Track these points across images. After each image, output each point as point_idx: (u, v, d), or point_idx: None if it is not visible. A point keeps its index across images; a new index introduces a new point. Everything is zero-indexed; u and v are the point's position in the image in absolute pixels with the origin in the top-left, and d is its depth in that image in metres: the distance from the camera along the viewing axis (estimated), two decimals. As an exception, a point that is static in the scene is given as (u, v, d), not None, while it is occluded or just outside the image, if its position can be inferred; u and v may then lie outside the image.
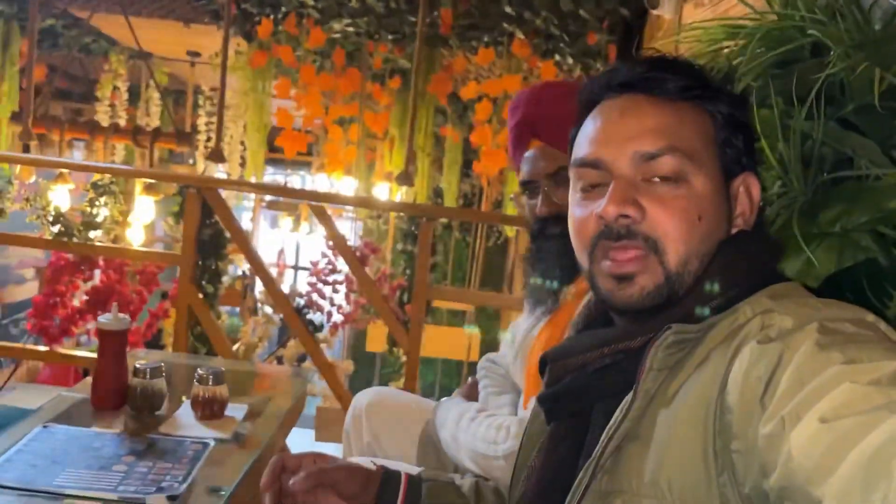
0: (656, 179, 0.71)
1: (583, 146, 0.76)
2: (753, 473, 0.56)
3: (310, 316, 2.93)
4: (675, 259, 0.70)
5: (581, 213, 0.75)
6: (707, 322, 0.67)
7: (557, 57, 3.66)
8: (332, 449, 3.42)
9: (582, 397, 0.75)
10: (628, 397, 0.66)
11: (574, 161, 0.78)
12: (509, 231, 5.12)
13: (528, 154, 1.30)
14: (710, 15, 1.67)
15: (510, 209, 4.03)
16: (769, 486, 0.54)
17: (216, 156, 3.36)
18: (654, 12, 2.41)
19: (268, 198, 7.04)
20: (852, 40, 0.90)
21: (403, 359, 3.15)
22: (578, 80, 3.35)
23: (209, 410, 1.40)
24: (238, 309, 6.24)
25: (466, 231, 6.21)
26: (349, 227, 7.36)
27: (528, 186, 1.30)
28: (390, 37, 3.85)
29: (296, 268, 9.36)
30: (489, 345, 6.14)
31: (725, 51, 1.03)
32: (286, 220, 8.12)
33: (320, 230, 7.02)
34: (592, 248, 0.73)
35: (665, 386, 0.65)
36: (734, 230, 0.75)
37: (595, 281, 0.75)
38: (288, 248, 8.60)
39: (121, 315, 1.44)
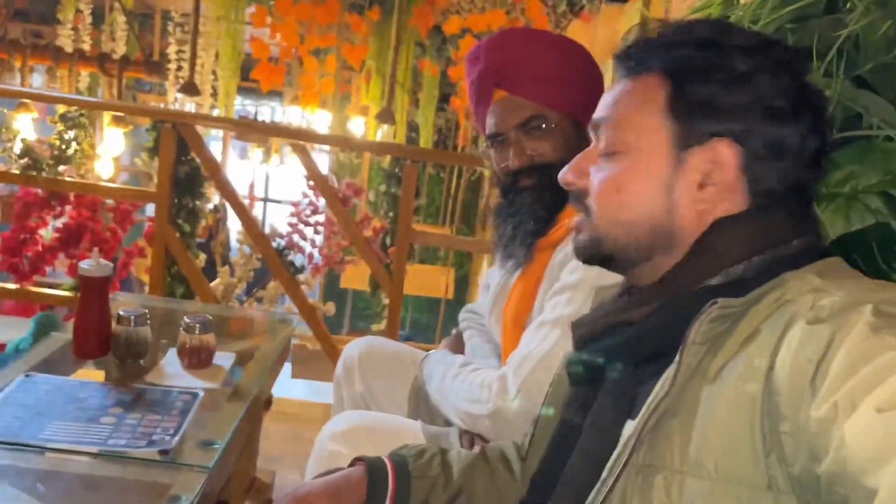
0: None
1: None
2: (803, 456, 0.56)
3: (290, 257, 2.88)
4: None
5: None
6: (752, 296, 0.65)
7: (544, -8, 3.55)
8: (305, 386, 3.41)
9: (591, 366, 0.76)
10: (669, 371, 0.64)
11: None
12: (487, 169, 5.06)
13: (493, 106, 1.25)
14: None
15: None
16: (820, 471, 0.54)
17: (190, 88, 3.24)
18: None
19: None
20: (875, -4, 0.87)
21: (385, 302, 3.14)
22: (538, 28, 3.25)
23: (196, 359, 1.37)
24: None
25: (441, 167, 6.13)
26: (323, 160, 7.24)
27: (497, 139, 1.26)
28: (370, -35, 3.70)
29: (265, 200, 9.23)
30: (463, 282, 6.17)
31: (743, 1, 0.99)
32: (256, 152, 7.95)
33: (291, 162, 6.88)
34: None
35: (707, 361, 0.64)
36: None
37: None
38: (258, 179, 8.46)
39: (102, 261, 1.40)
